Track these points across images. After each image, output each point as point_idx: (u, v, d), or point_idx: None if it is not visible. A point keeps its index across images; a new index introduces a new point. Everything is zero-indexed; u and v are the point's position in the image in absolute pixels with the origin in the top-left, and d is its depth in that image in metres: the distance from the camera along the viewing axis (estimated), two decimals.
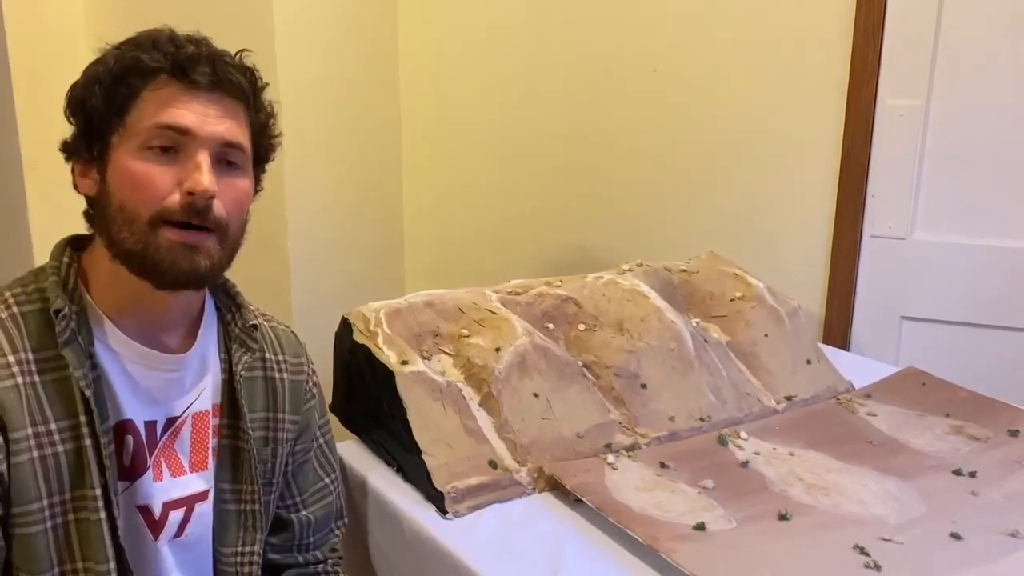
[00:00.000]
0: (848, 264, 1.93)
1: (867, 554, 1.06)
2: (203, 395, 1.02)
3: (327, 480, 1.18)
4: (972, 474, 1.27)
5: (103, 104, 0.91)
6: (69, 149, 0.95)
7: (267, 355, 1.08)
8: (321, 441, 1.17)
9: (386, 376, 1.29)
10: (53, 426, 0.90)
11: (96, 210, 0.94)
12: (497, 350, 1.36)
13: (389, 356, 1.31)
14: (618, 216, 2.21)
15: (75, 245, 0.98)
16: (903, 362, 1.85)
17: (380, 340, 1.33)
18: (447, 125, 2.38)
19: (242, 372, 1.04)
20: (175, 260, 0.89)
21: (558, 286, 1.56)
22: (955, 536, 1.11)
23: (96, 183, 0.93)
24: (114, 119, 0.91)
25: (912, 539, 1.10)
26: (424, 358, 1.35)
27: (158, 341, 0.97)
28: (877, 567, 1.04)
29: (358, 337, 1.35)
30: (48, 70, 1.84)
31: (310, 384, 1.14)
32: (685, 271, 1.71)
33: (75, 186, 0.96)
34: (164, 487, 0.99)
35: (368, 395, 1.35)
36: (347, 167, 2.21)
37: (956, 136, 1.83)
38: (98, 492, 0.91)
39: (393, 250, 2.45)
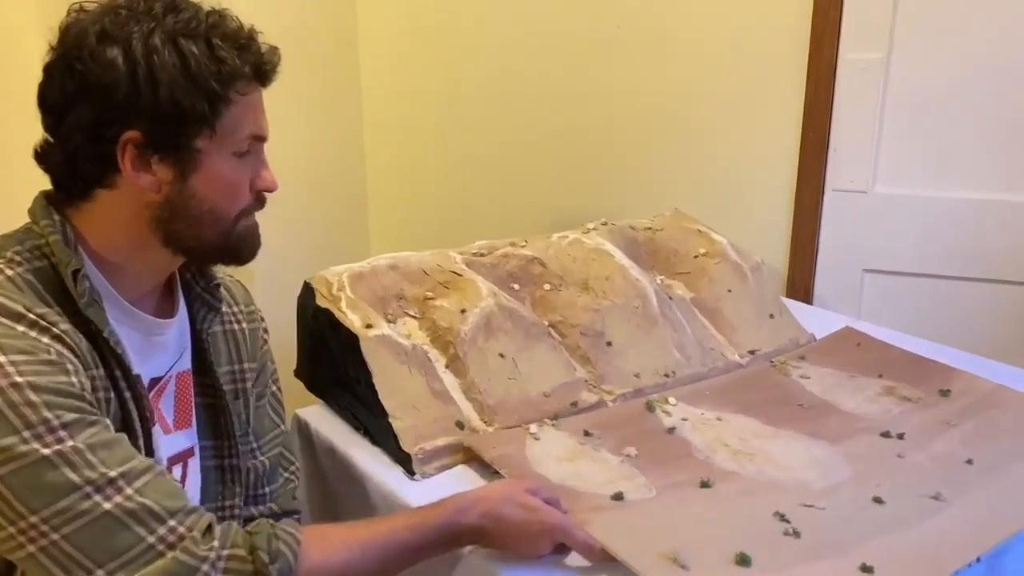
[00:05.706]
0: (810, 218, 1.94)
1: (787, 521, 1.05)
2: (184, 355, 1.03)
3: (282, 427, 1.19)
4: (900, 436, 1.27)
5: (204, 105, 0.87)
6: (128, 139, 0.87)
7: (223, 308, 1.09)
8: (274, 388, 1.18)
9: (351, 340, 1.28)
10: (97, 371, 0.89)
11: (163, 207, 0.90)
12: (462, 312, 1.36)
13: (353, 320, 1.30)
14: (582, 176, 2.20)
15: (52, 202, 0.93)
16: (865, 315, 1.88)
17: (344, 304, 1.32)
18: (408, 88, 2.34)
19: (209, 330, 1.05)
20: (253, 244, 0.99)
21: (523, 246, 1.55)
22: (877, 500, 1.10)
23: (169, 183, 0.90)
24: (205, 123, 0.88)
25: (834, 504, 1.09)
26: (389, 321, 1.35)
27: (146, 304, 0.98)
28: (796, 534, 1.03)
29: (321, 301, 1.34)
30: None
31: (262, 329, 1.16)
32: (649, 229, 1.72)
33: (122, 173, 0.88)
34: (167, 441, 1.00)
35: (333, 360, 1.34)
36: (307, 133, 2.17)
37: (917, 89, 1.84)
38: (140, 442, 0.92)
39: (356, 216, 2.42)
